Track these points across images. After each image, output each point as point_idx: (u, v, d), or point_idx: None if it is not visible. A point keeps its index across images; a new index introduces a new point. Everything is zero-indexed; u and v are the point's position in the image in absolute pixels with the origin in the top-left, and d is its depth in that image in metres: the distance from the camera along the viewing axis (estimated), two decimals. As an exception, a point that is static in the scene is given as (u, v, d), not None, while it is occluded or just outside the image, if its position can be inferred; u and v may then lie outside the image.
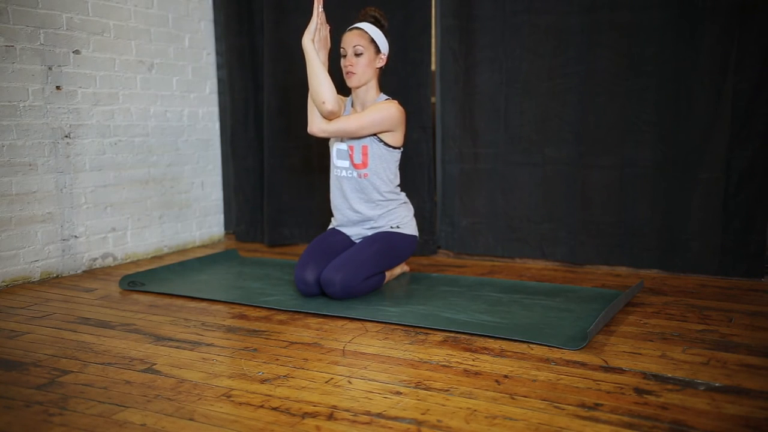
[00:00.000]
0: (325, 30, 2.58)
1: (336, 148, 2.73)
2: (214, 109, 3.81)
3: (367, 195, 2.69)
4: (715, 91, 2.74)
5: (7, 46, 2.72)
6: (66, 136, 2.98)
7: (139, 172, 3.35)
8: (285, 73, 3.49)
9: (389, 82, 3.26)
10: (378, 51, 2.62)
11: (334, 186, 2.77)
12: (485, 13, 3.10)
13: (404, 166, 3.31)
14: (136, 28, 3.28)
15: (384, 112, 2.58)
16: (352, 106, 2.74)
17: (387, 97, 2.70)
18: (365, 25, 2.61)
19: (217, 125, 3.83)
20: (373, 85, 2.66)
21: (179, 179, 3.60)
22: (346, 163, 2.69)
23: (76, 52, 3.00)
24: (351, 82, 2.62)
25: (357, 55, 2.58)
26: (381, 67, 2.66)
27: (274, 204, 3.60)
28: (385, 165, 2.67)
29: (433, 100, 3.37)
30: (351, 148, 2.66)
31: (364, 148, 2.64)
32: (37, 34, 2.83)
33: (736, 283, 2.75)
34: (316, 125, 2.58)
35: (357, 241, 2.75)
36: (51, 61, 2.89)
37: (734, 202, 2.77)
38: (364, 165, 2.65)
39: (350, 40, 2.60)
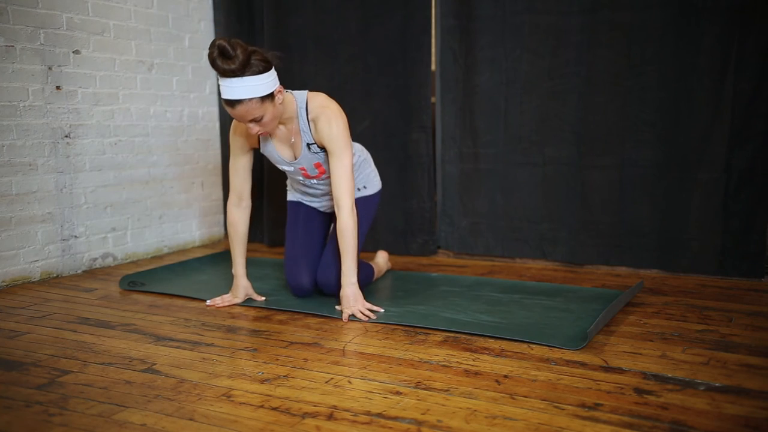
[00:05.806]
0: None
1: (283, 168, 2.48)
2: (214, 109, 3.81)
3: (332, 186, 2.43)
4: (715, 91, 2.74)
5: (7, 46, 2.72)
6: (66, 136, 2.98)
7: (139, 172, 3.35)
8: (284, 73, 3.48)
9: (390, 82, 3.26)
10: (271, 94, 2.16)
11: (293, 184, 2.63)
12: (485, 13, 3.10)
13: (404, 166, 3.32)
14: (136, 28, 3.28)
15: (341, 126, 2.30)
16: None
17: (305, 92, 2.37)
18: (242, 90, 2.07)
19: (217, 125, 3.83)
20: (285, 106, 2.28)
21: (179, 179, 3.60)
22: (300, 177, 2.50)
23: (76, 52, 3.00)
24: (271, 135, 2.37)
25: (258, 121, 2.18)
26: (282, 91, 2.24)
27: (274, 204, 3.59)
28: None
29: (433, 100, 3.37)
30: (302, 169, 2.44)
31: (317, 165, 2.42)
32: (37, 34, 2.83)
33: (736, 283, 2.75)
34: (349, 213, 2.30)
35: (325, 212, 2.65)
36: (51, 61, 2.89)
37: (734, 202, 2.77)
38: (322, 172, 2.46)
39: (242, 117, 2.15)
